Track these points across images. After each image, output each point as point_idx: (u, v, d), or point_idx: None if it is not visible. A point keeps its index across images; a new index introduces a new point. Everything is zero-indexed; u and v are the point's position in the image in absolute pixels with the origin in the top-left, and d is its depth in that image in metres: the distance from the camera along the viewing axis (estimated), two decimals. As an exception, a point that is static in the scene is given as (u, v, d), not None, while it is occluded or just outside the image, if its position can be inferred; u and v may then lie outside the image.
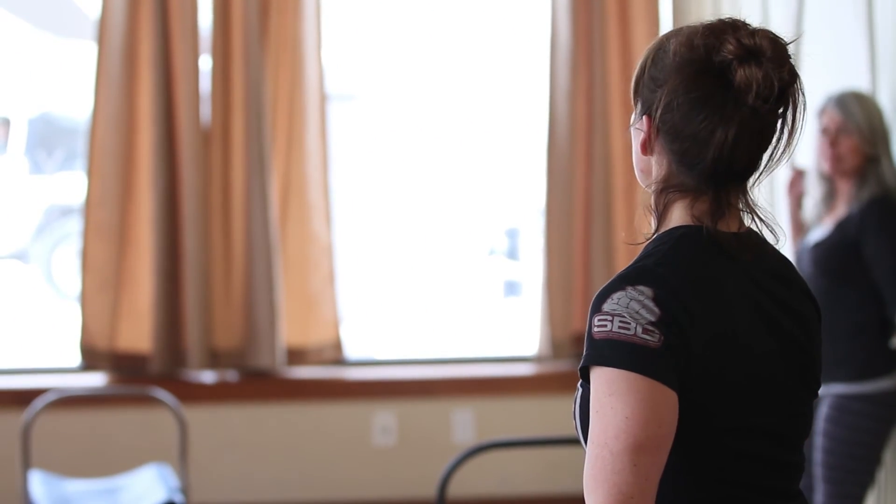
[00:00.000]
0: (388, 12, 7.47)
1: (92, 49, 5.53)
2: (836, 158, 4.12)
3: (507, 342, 6.77)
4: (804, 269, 4.20)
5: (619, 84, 5.57)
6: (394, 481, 5.61)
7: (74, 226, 7.45)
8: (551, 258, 5.64)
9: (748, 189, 2.00)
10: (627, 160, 5.47)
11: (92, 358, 5.54)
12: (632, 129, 2.02)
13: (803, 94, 1.97)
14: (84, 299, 5.52)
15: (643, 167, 2.01)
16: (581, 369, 1.90)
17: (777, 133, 1.96)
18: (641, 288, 1.88)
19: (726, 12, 5.65)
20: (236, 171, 5.53)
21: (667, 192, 1.98)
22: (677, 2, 5.72)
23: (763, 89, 1.91)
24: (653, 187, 2.00)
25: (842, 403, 4.07)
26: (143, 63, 5.48)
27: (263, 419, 5.60)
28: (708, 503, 1.93)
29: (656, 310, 1.86)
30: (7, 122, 8.29)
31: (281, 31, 5.56)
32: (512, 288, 8.06)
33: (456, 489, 5.27)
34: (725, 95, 1.93)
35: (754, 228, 2.02)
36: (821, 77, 4.64)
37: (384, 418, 5.63)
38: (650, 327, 1.85)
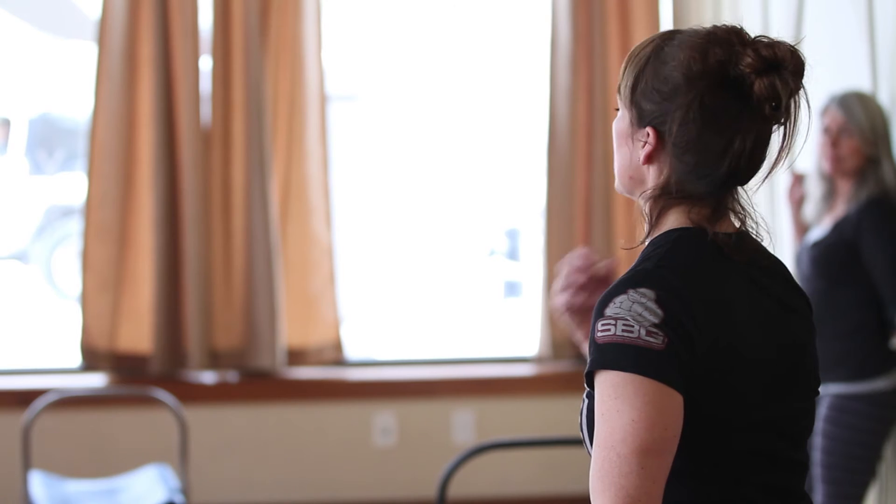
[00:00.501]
0: (389, 13, 7.47)
1: (92, 49, 5.53)
2: (836, 159, 4.12)
3: (507, 343, 6.76)
4: (803, 269, 4.20)
5: (619, 84, 5.57)
6: (394, 482, 5.61)
7: (75, 226, 7.45)
8: (551, 258, 5.64)
9: (740, 191, 2.00)
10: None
11: (92, 358, 5.54)
12: (625, 138, 2.01)
13: (807, 100, 1.97)
14: (84, 300, 5.52)
15: (635, 175, 2.00)
16: (586, 375, 1.90)
17: (781, 139, 1.97)
18: (643, 290, 1.88)
19: (726, 13, 5.65)
20: (236, 171, 5.53)
21: (663, 198, 1.98)
22: (677, 2, 5.72)
23: (778, 99, 1.93)
24: (647, 194, 1.99)
25: (840, 403, 4.07)
26: (144, 63, 5.49)
27: (264, 420, 5.60)
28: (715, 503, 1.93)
29: (659, 311, 1.87)
30: (7, 123, 8.29)
31: (281, 32, 5.56)
32: (512, 288, 8.06)
33: (456, 489, 5.27)
34: (741, 107, 1.93)
35: (743, 229, 2.02)
36: (821, 77, 4.63)
37: (384, 419, 5.63)
38: (654, 329, 1.85)
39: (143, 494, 4.61)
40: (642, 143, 1.98)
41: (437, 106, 7.90)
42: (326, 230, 5.64)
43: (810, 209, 4.30)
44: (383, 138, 8.01)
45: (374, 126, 7.95)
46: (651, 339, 1.85)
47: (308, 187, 5.61)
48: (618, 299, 1.88)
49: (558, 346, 5.65)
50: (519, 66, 6.84)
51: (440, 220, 8.21)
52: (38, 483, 4.67)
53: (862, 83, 4.35)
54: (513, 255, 8.09)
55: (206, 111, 5.52)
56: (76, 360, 5.59)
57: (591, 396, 1.93)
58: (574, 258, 2.27)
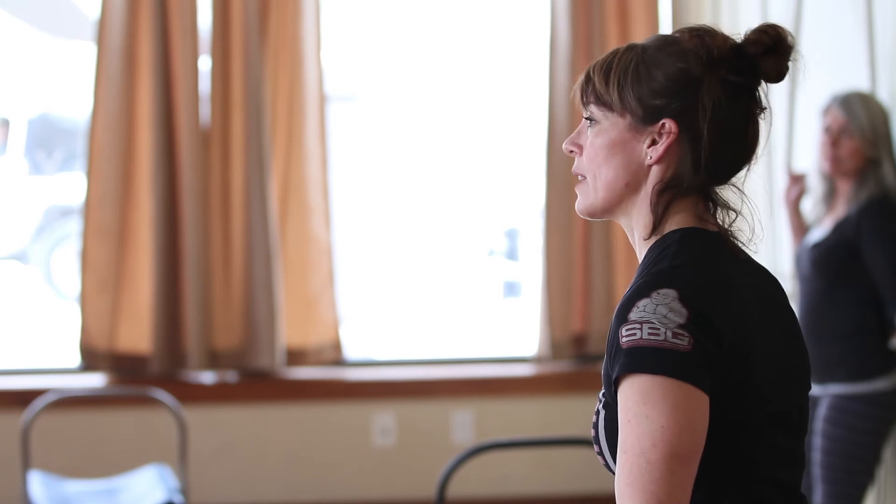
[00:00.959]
0: (388, 13, 7.47)
1: (92, 50, 5.53)
2: (836, 159, 4.12)
3: (506, 343, 6.76)
4: (803, 270, 4.20)
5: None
6: (393, 482, 5.61)
7: (74, 226, 7.45)
8: (551, 259, 5.64)
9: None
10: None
11: (92, 358, 5.54)
12: (621, 144, 2.00)
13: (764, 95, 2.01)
14: (84, 300, 5.52)
15: (633, 180, 1.99)
16: (613, 381, 1.88)
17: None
18: (665, 291, 1.87)
19: (725, 13, 5.66)
20: (236, 171, 5.53)
21: (669, 192, 1.98)
22: (676, 2, 5.72)
23: (781, 79, 1.97)
24: (656, 188, 1.98)
25: (840, 404, 4.07)
26: (143, 64, 5.49)
27: (263, 420, 5.60)
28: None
29: (684, 310, 1.85)
30: (7, 123, 8.29)
31: (280, 32, 5.56)
32: (511, 288, 8.06)
33: (455, 490, 5.27)
34: (749, 93, 1.97)
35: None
36: (820, 77, 4.64)
37: (384, 419, 5.63)
38: (679, 331, 1.84)
39: (142, 495, 4.61)
40: (650, 141, 1.97)
41: (437, 106, 7.90)
42: (326, 230, 5.64)
43: (810, 211, 4.30)
44: (383, 138, 8.00)
45: (374, 126, 7.95)
46: (677, 341, 1.84)
47: (307, 187, 5.61)
48: (641, 303, 1.87)
49: (557, 346, 5.65)
50: (518, 67, 6.84)
51: (439, 220, 8.21)
52: (37, 483, 4.67)
53: (861, 83, 4.34)
54: (512, 255, 8.09)
55: (205, 111, 5.52)
56: (75, 360, 5.58)
57: (608, 407, 1.91)
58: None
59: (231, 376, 5.62)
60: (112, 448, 5.49)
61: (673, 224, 1.98)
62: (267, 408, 5.60)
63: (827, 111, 4.15)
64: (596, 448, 1.96)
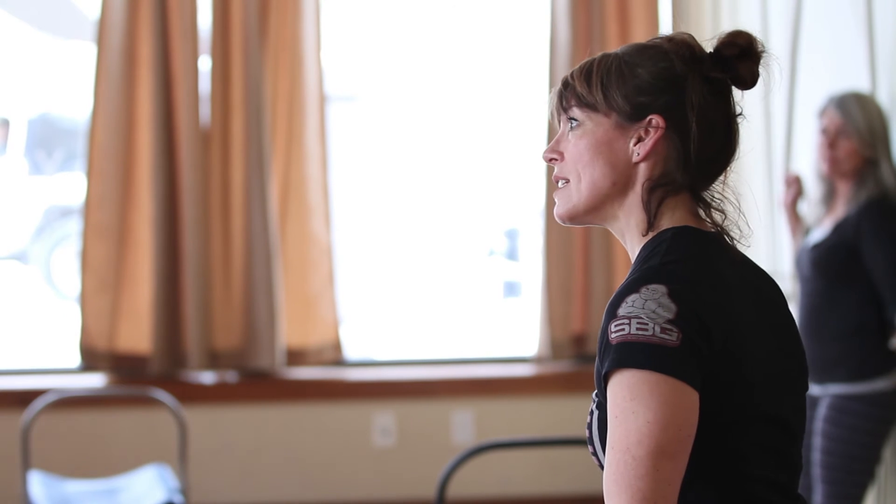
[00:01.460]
0: (388, 13, 7.47)
1: (91, 50, 5.53)
2: (833, 160, 4.12)
3: (506, 343, 6.76)
4: (803, 270, 4.20)
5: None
6: (393, 482, 5.61)
7: (74, 226, 7.45)
8: (551, 259, 5.64)
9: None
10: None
11: (92, 359, 5.54)
12: (607, 144, 2.00)
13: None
14: (84, 300, 5.52)
15: (620, 179, 1.99)
16: (603, 377, 1.88)
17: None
18: (654, 286, 1.87)
19: (725, 13, 5.66)
20: (236, 171, 5.53)
21: (661, 189, 1.98)
22: (676, 2, 5.72)
23: (754, 83, 2.01)
24: (639, 188, 1.99)
25: (840, 404, 4.07)
26: (143, 64, 5.49)
27: (263, 420, 5.60)
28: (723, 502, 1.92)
29: (673, 306, 1.85)
30: (7, 123, 8.29)
31: (280, 32, 5.56)
32: (511, 289, 8.06)
33: (456, 490, 5.27)
34: (729, 92, 2.00)
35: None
36: (820, 77, 4.64)
37: (384, 419, 5.63)
38: (668, 326, 1.84)
39: (142, 495, 4.61)
40: (637, 139, 1.98)
41: (437, 106, 7.89)
42: (326, 230, 5.64)
43: (809, 212, 4.30)
44: (383, 138, 8.00)
45: (374, 126, 7.95)
46: (666, 336, 1.84)
47: (307, 187, 5.61)
48: (630, 298, 1.87)
49: (557, 346, 5.65)
50: (518, 67, 6.84)
51: (439, 220, 8.21)
52: (37, 483, 4.67)
53: (861, 83, 4.34)
54: (512, 255, 8.09)
55: (205, 111, 5.52)
56: (75, 360, 5.59)
57: (601, 407, 1.91)
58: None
59: (231, 376, 5.62)
60: (112, 448, 5.49)
61: (667, 222, 1.99)
62: (267, 408, 5.61)
63: (823, 112, 4.15)
64: (590, 448, 1.96)
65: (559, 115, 2.04)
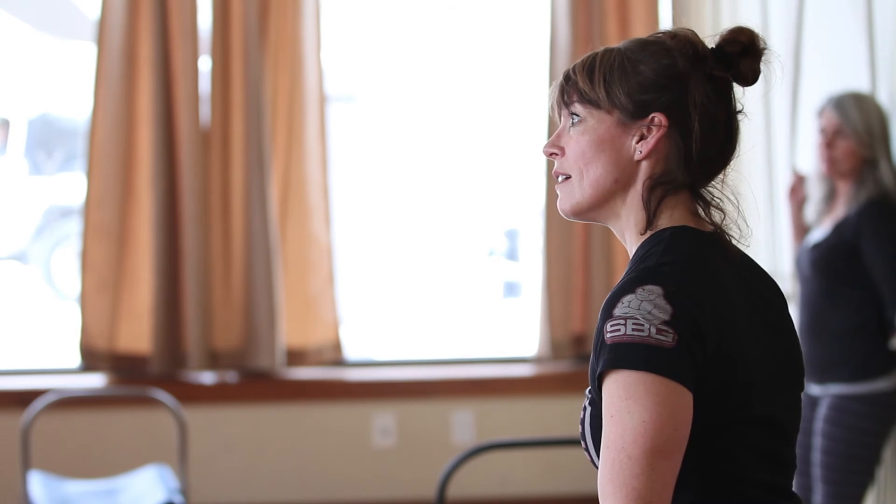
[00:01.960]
0: (388, 13, 7.47)
1: (91, 50, 5.53)
2: (832, 160, 4.12)
3: (506, 343, 6.76)
4: (803, 271, 4.20)
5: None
6: (393, 482, 5.61)
7: (74, 227, 7.45)
8: (551, 259, 5.64)
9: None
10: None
11: (92, 359, 5.54)
12: (609, 141, 2.00)
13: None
14: (84, 300, 5.52)
15: (622, 176, 1.99)
16: (598, 377, 1.88)
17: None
18: (650, 287, 1.88)
19: (725, 13, 5.66)
20: (236, 171, 5.54)
21: (657, 188, 1.98)
22: (676, 2, 5.72)
23: (755, 81, 2.01)
24: (640, 186, 1.99)
25: (840, 404, 4.07)
26: (143, 64, 5.49)
27: (263, 420, 5.60)
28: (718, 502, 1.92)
29: (668, 307, 1.86)
30: (7, 124, 8.29)
31: (280, 32, 5.56)
32: (511, 289, 8.06)
33: (455, 490, 5.27)
34: (730, 90, 2.00)
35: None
36: (820, 77, 4.64)
37: (384, 419, 5.62)
38: (664, 327, 1.84)
39: (142, 495, 4.60)
40: (639, 136, 1.98)
41: (436, 106, 7.89)
42: (325, 230, 5.65)
43: (811, 212, 4.30)
44: (382, 139, 8.00)
45: (374, 126, 7.94)
46: (661, 338, 1.84)
47: (307, 187, 5.61)
48: (626, 298, 1.88)
49: (557, 346, 5.65)
50: (518, 67, 6.84)
51: (439, 221, 8.21)
52: (37, 483, 4.67)
53: (861, 83, 4.34)
54: (512, 255, 8.09)
55: (205, 111, 5.52)
56: (75, 360, 5.59)
57: (594, 404, 1.92)
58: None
59: (231, 376, 5.62)
60: (112, 448, 5.49)
61: (665, 221, 1.99)
62: (267, 408, 5.60)
63: (821, 113, 4.15)
64: (583, 445, 1.97)
65: (560, 108, 2.04)
